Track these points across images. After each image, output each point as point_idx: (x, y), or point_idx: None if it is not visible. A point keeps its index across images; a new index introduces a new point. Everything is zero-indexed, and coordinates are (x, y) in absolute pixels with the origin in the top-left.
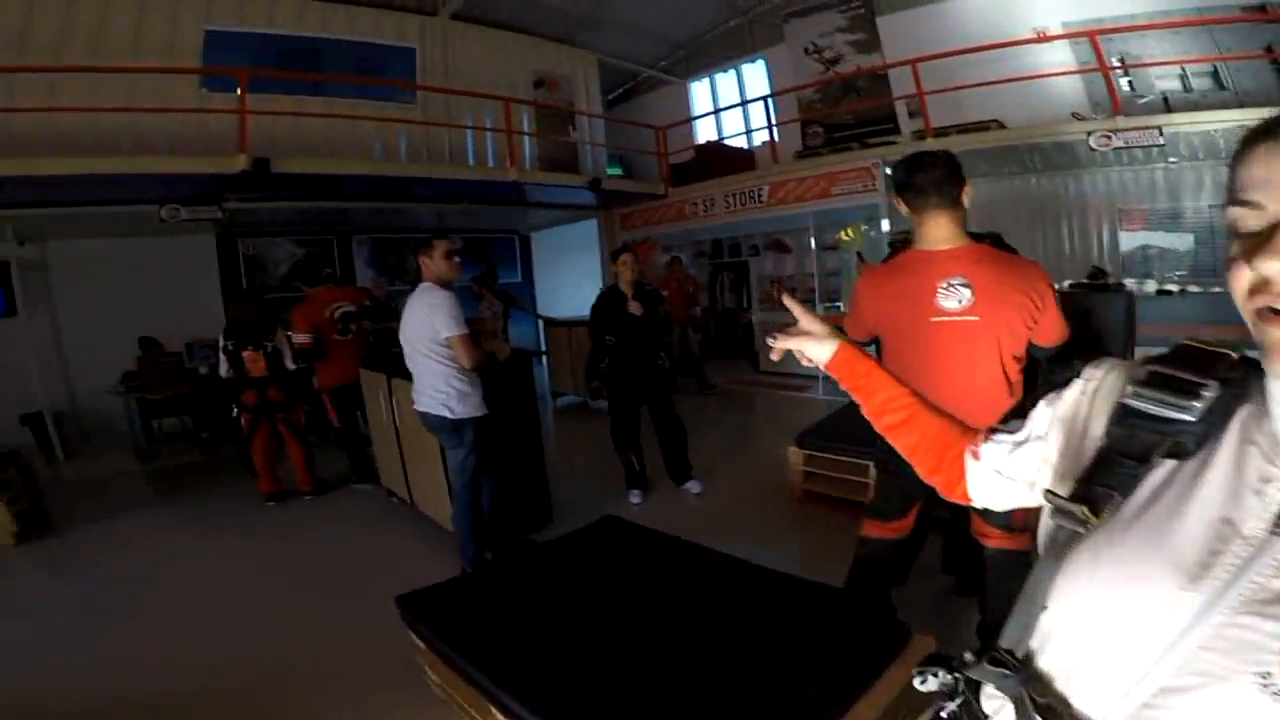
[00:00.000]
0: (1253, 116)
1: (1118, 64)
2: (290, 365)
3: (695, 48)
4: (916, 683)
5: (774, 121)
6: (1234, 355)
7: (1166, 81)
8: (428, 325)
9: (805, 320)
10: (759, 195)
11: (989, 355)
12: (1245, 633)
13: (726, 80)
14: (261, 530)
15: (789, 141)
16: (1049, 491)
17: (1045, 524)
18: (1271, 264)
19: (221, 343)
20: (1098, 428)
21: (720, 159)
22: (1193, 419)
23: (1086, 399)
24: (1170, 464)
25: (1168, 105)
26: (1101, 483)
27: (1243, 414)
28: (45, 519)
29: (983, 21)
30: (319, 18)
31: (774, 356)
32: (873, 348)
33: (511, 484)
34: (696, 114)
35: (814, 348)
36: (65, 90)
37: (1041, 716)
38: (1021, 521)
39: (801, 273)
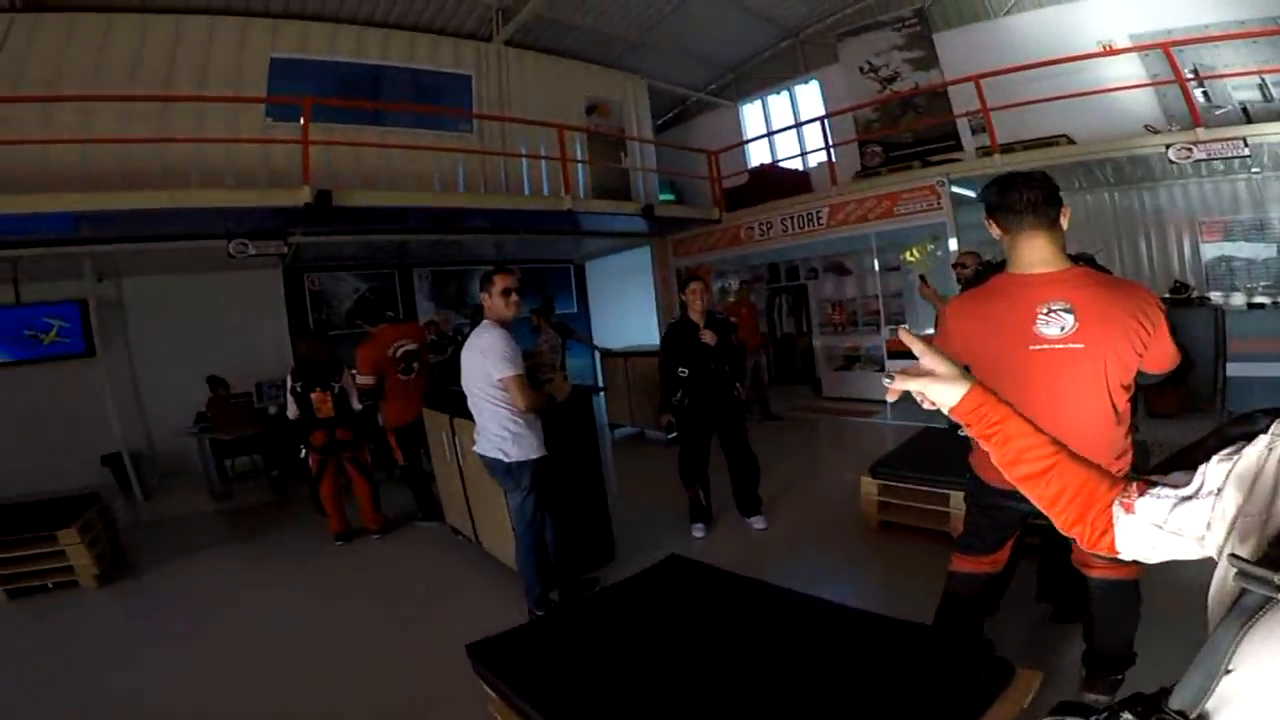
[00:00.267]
0: None
1: (1191, 75)
2: (357, 405)
3: (745, 70)
4: None
5: (831, 142)
6: None
7: (1244, 92)
8: (482, 367)
9: (929, 359)
10: (818, 217)
11: (1094, 385)
12: None
13: (779, 101)
14: (331, 570)
15: (846, 162)
16: (1234, 556)
17: (1224, 584)
18: None
19: (289, 384)
20: None
21: (775, 182)
22: None
23: (1276, 459)
24: None
25: (1248, 116)
26: None
27: None
28: (124, 559)
29: (1041, 36)
30: (379, 44)
31: (890, 398)
32: None
33: (573, 522)
34: (749, 137)
35: (940, 390)
36: (137, 122)
37: None
38: None
39: (863, 295)
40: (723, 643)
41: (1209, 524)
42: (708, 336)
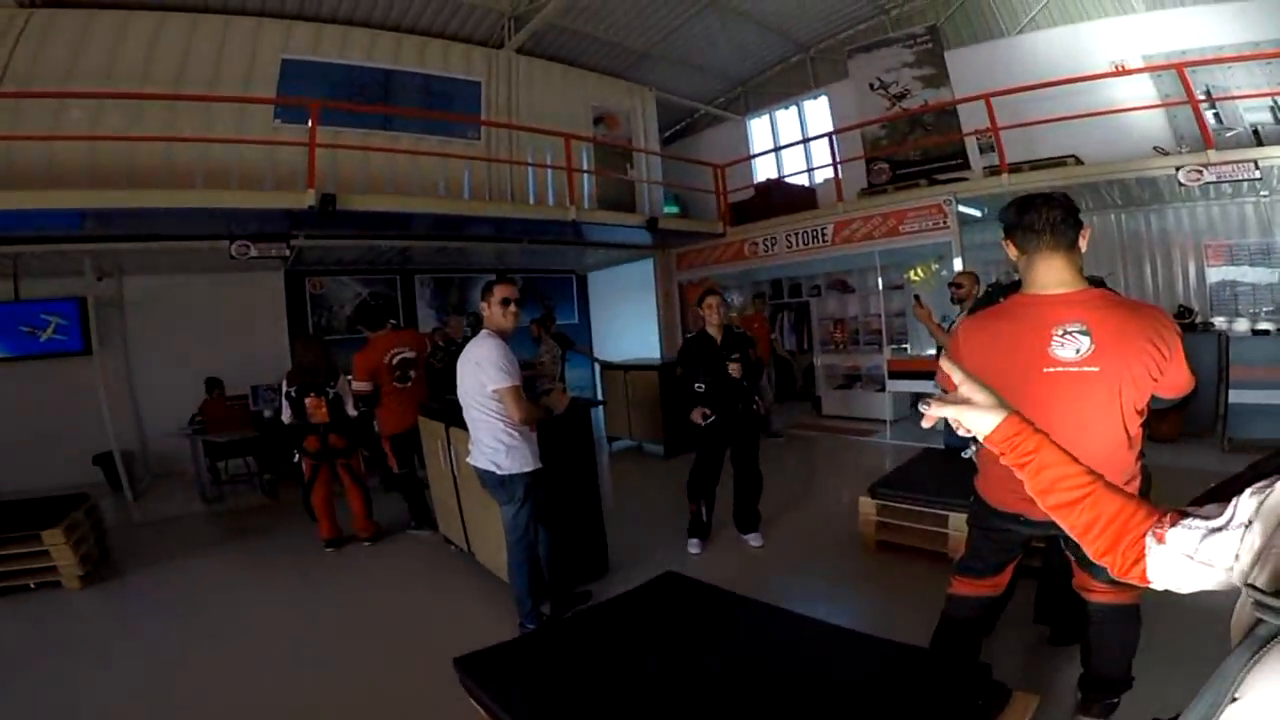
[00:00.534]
0: None
1: (1203, 97)
2: (352, 412)
3: (754, 84)
4: None
5: (838, 159)
6: None
7: (1255, 113)
8: (476, 378)
9: (967, 386)
10: (823, 234)
11: (1108, 409)
12: None
13: (786, 116)
14: (319, 577)
15: (852, 179)
16: (1251, 585)
17: (1243, 613)
18: None
19: (285, 388)
20: None
21: (781, 197)
22: None
23: None
24: None
25: (1259, 138)
26: None
27: None
28: (110, 560)
29: (1053, 55)
30: (390, 48)
31: (925, 424)
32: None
33: (568, 535)
34: (756, 151)
35: (976, 417)
36: (146, 121)
37: None
38: None
39: (866, 314)
40: (717, 662)
41: (1237, 555)
42: (734, 369)
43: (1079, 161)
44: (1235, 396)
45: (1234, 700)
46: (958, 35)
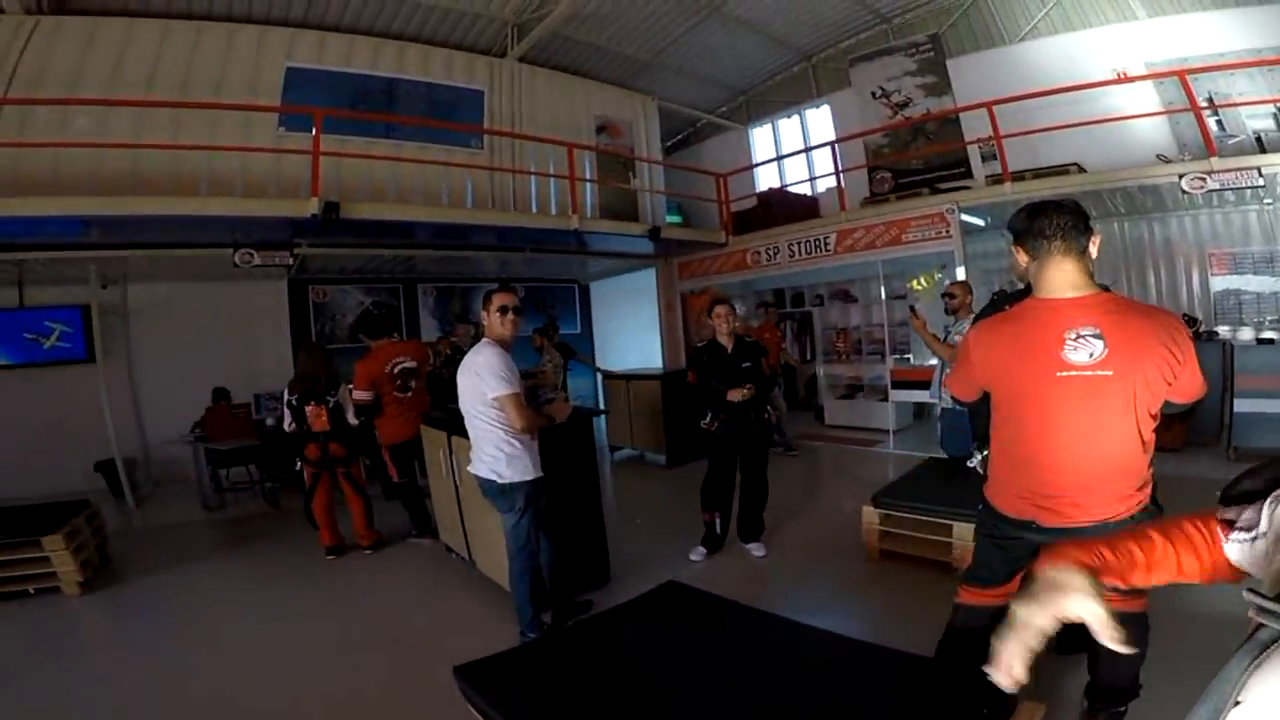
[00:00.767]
0: None
1: (1206, 104)
2: (353, 420)
3: (757, 93)
4: None
5: (840, 167)
6: None
7: (1258, 120)
8: (477, 386)
9: (1031, 606)
10: (826, 243)
11: (1122, 413)
12: None
13: (789, 125)
14: (320, 584)
15: (855, 188)
16: (1251, 590)
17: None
18: None
19: (286, 396)
20: None
21: (784, 206)
22: None
23: None
24: None
25: (1262, 145)
26: None
27: None
28: (111, 566)
29: (1056, 63)
30: (394, 57)
31: (1007, 686)
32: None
33: (569, 544)
34: (758, 160)
35: (1078, 606)
36: (151, 128)
37: None
38: None
39: (869, 323)
40: (720, 672)
41: (1271, 560)
42: (735, 395)
43: (1082, 170)
44: (1240, 406)
45: (1237, 704)
46: (959, 43)
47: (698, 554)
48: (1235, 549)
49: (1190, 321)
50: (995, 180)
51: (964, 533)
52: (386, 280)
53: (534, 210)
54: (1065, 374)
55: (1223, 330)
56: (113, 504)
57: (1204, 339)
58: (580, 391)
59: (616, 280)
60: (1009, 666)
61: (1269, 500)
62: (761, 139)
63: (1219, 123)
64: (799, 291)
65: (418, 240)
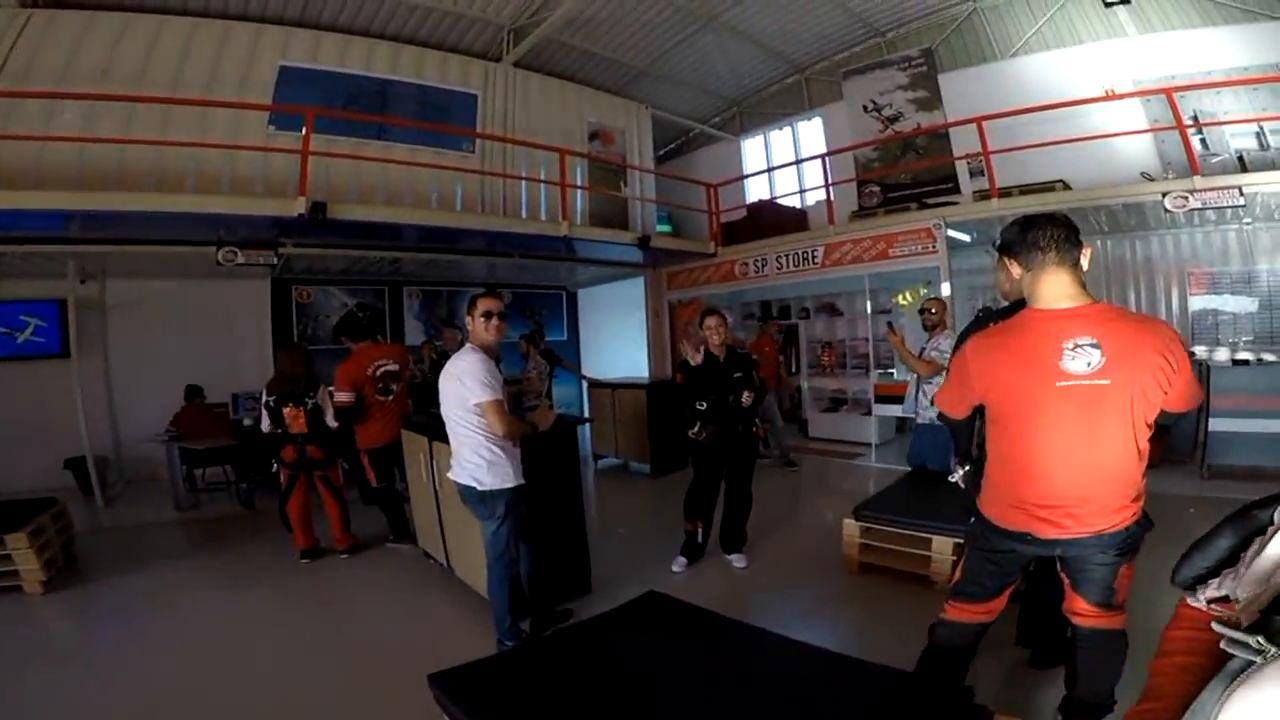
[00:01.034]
0: None
1: (1191, 122)
2: (332, 423)
3: (750, 104)
4: None
5: (830, 180)
6: None
7: (1241, 140)
8: (458, 392)
9: None
10: (813, 256)
11: (1120, 422)
12: None
13: (780, 137)
14: (293, 588)
15: (843, 201)
16: (1219, 622)
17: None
18: None
19: (264, 398)
20: None
21: (773, 218)
22: None
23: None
24: None
25: (1243, 164)
26: None
27: None
28: (77, 566)
29: (1046, 79)
30: (389, 58)
31: None
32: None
33: (551, 552)
34: (749, 171)
35: None
36: (140, 124)
37: None
38: (1123, 601)
39: (853, 337)
40: (699, 684)
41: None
42: (746, 399)
43: (1067, 187)
44: (1215, 425)
45: None
46: (952, 58)
47: (679, 564)
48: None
49: None
50: (982, 196)
51: (943, 546)
52: (372, 282)
53: (524, 215)
54: (1065, 383)
55: (1199, 350)
56: (81, 502)
57: None
58: (565, 399)
59: (604, 288)
60: None
61: (1240, 565)
62: (753, 150)
63: (1203, 141)
64: (786, 304)
65: (405, 243)
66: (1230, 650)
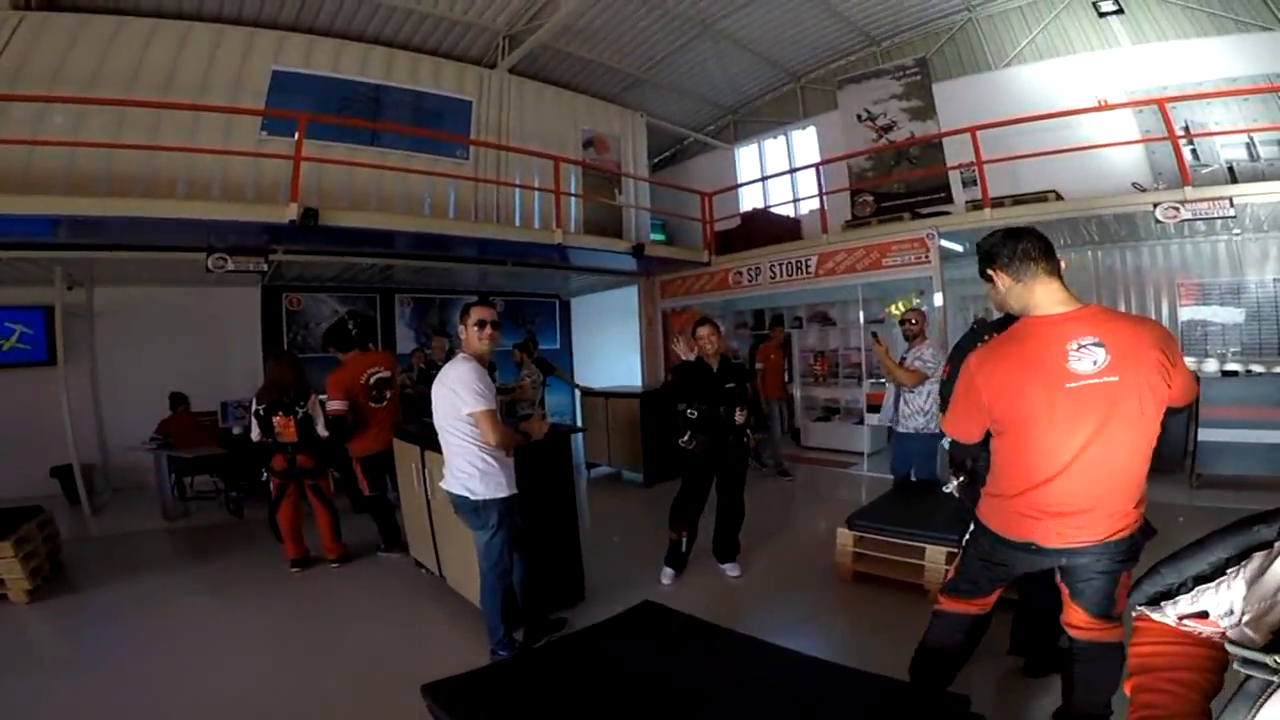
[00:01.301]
0: None
1: (1182, 133)
2: (323, 432)
3: (744, 112)
4: None
5: (824, 190)
6: None
7: (1231, 150)
8: (451, 401)
9: None
10: (807, 266)
11: (1132, 419)
12: None
13: (774, 145)
14: (283, 598)
15: (837, 210)
16: (1232, 643)
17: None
18: None
19: (254, 406)
20: None
21: (766, 227)
22: None
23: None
24: None
25: (1233, 175)
26: None
27: None
28: (63, 575)
29: (1039, 89)
30: (382, 64)
31: None
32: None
33: (544, 561)
34: (743, 180)
35: None
36: (130, 128)
37: None
38: (1119, 610)
39: (846, 346)
40: (694, 694)
41: (1230, 610)
42: (740, 416)
43: (1059, 197)
44: (1204, 434)
45: None
46: (946, 68)
47: (666, 576)
48: (1234, 634)
49: None
50: (975, 206)
51: (936, 556)
52: (363, 289)
53: (517, 223)
54: (1075, 384)
55: (1189, 361)
56: (68, 510)
57: None
58: (558, 408)
59: (598, 296)
60: None
61: (1221, 582)
62: (747, 159)
63: (1194, 152)
64: (779, 313)
65: (397, 250)
66: (1246, 670)
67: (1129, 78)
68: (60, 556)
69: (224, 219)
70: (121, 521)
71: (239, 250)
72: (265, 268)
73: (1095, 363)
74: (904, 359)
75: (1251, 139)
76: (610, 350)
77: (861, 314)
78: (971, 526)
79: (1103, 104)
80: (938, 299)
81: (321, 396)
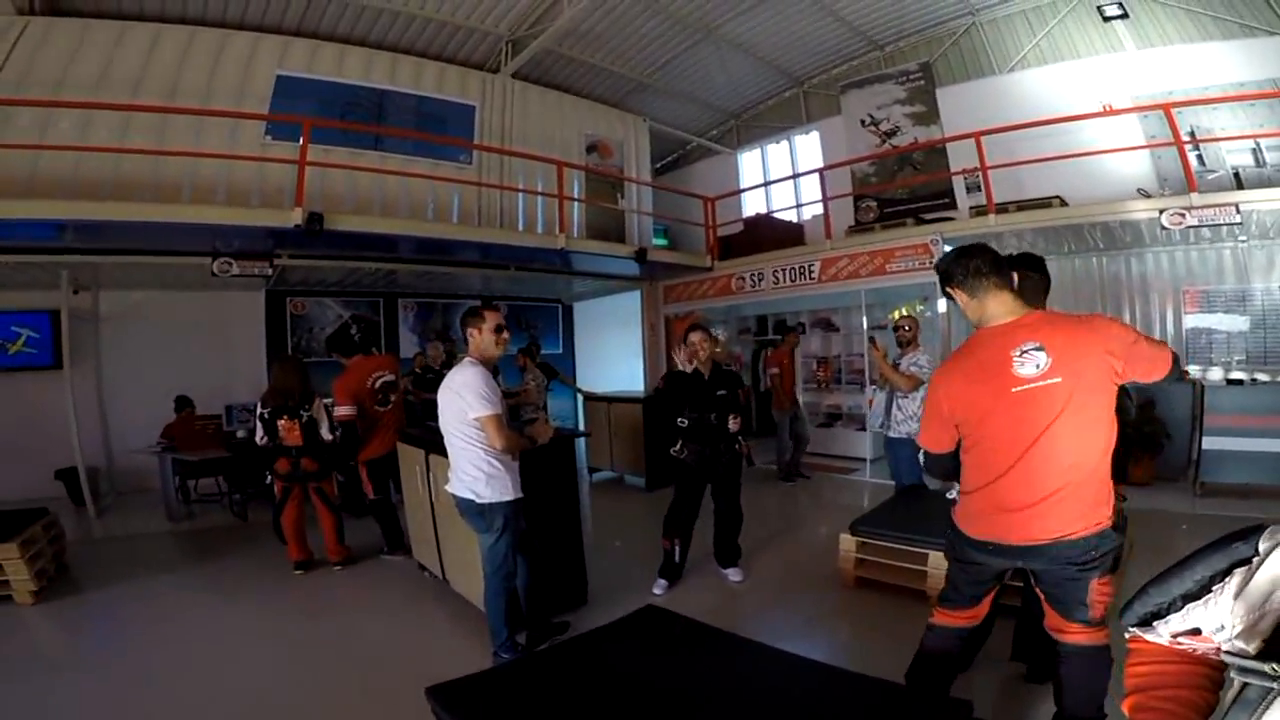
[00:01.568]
0: None
1: (1188, 138)
2: (327, 436)
3: (747, 117)
4: None
5: (827, 195)
6: None
7: (1237, 156)
8: (457, 405)
9: None
10: (810, 271)
11: (1077, 416)
12: None
13: (777, 150)
14: (286, 600)
15: (840, 216)
16: (1229, 653)
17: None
18: None
19: (258, 410)
20: None
21: (769, 232)
22: None
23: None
24: None
25: (1239, 181)
26: None
27: None
28: (69, 576)
29: (1043, 94)
30: (386, 68)
31: None
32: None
33: (548, 565)
34: (745, 185)
35: None
36: (135, 133)
37: None
38: (1101, 617)
39: (849, 353)
40: (697, 698)
41: (1221, 625)
42: (735, 424)
43: (1064, 203)
44: (1209, 443)
45: None
46: (950, 72)
47: (660, 586)
48: (1228, 646)
49: None
50: (979, 211)
51: (939, 561)
52: (367, 294)
53: (520, 228)
54: (1020, 389)
55: (1194, 370)
56: (73, 513)
57: (1178, 379)
58: (560, 412)
59: (600, 301)
60: None
61: (1209, 599)
62: (750, 164)
63: (1199, 157)
64: (782, 319)
65: (401, 254)
66: (1245, 679)
67: (1134, 83)
68: (65, 558)
69: (230, 223)
70: (126, 524)
71: (244, 255)
72: (270, 272)
73: (1038, 366)
74: (898, 364)
75: (1258, 144)
76: (613, 355)
77: (865, 320)
78: (949, 530)
79: (1107, 109)
80: (941, 305)
81: (326, 400)
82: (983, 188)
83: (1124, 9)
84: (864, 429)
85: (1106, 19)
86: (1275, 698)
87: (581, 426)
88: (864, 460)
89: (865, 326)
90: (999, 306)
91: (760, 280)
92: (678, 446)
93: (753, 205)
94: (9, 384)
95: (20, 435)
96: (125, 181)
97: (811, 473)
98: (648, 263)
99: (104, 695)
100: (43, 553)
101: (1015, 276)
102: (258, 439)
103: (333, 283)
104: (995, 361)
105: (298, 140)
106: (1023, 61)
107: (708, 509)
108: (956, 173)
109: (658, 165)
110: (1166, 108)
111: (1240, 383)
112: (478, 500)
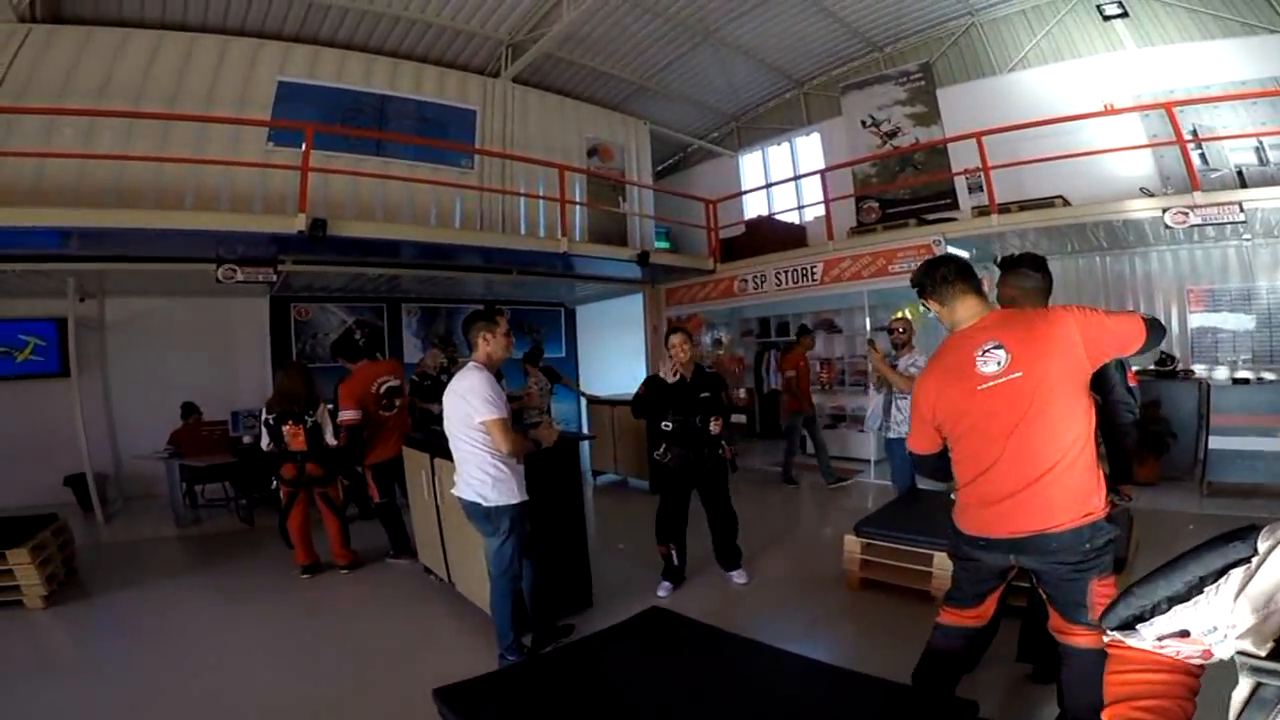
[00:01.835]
0: None
1: (1190, 137)
2: (331, 441)
3: (748, 119)
4: None
5: (829, 196)
6: None
7: (1240, 154)
8: (463, 410)
9: None
10: (812, 273)
11: (1047, 407)
12: None
13: (778, 152)
14: (293, 604)
15: (842, 217)
16: (1242, 653)
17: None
18: None
19: (263, 415)
20: None
21: (771, 234)
22: None
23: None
24: None
25: (1242, 179)
26: None
27: None
28: (78, 581)
29: (1045, 94)
30: (387, 74)
31: None
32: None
33: (552, 567)
34: (747, 187)
35: None
36: (139, 140)
37: None
38: (1097, 621)
39: (852, 354)
40: (702, 699)
41: (1215, 626)
42: (717, 427)
43: (1066, 203)
44: (1215, 442)
45: None
46: (950, 73)
47: (664, 589)
48: (1225, 648)
49: (1168, 360)
50: (982, 212)
51: (943, 562)
52: (370, 299)
53: (523, 232)
54: (984, 386)
55: (1199, 369)
56: (81, 518)
57: (1181, 377)
58: (563, 416)
59: (603, 305)
60: None
61: (1199, 600)
62: (751, 166)
63: (1202, 156)
64: (784, 320)
65: (404, 259)
66: (1260, 679)
67: (1135, 82)
68: (74, 563)
69: (234, 230)
70: (134, 529)
71: (248, 261)
72: (274, 278)
73: (999, 363)
74: (895, 365)
75: (1261, 143)
76: (616, 358)
77: (868, 321)
78: (950, 529)
79: (1109, 108)
80: None
81: (330, 405)
82: (985, 188)
83: (1124, 8)
84: (865, 430)
85: (1106, 18)
86: None
87: (585, 430)
88: (868, 461)
89: (869, 327)
90: (965, 310)
91: (762, 282)
92: (661, 450)
93: (754, 207)
94: (17, 391)
95: (29, 442)
96: (129, 189)
97: (801, 477)
98: (650, 265)
99: (113, 697)
100: (52, 557)
101: (985, 284)
102: (263, 444)
103: (336, 288)
104: (962, 363)
105: (300, 146)
106: (1023, 61)
107: (701, 514)
108: (958, 173)
109: (659, 168)
110: (1168, 106)
111: (1246, 382)
112: (484, 503)
